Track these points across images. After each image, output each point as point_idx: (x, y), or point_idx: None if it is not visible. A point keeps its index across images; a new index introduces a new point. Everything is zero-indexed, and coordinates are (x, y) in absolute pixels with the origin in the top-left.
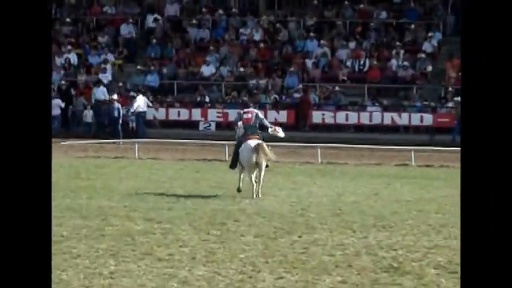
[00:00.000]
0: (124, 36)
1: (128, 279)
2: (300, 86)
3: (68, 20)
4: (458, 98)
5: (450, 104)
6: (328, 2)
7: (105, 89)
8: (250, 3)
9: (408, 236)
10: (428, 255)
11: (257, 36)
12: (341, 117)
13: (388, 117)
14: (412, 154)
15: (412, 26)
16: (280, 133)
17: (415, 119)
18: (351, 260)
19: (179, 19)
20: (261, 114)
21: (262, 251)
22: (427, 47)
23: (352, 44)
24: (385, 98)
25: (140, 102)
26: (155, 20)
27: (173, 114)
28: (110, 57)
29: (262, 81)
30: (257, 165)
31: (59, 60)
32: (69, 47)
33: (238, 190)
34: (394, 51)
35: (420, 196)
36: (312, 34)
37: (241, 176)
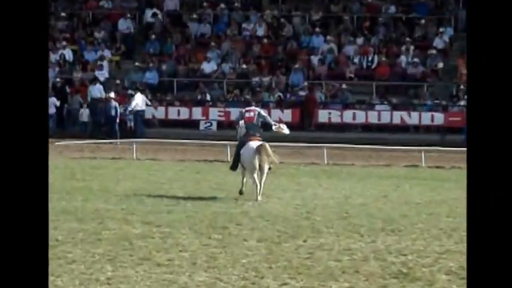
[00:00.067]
0: (121, 31)
1: (125, 285)
2: (305, 83)
3: (63, 14)
4: None
5: (462, 103)
6: None
7: (101, 87)
8: None
9: (418, 241)
10: (439, 260)
11: (260, 32)
12: (348, 116)
13: (398, 117)
14: (423, 155)
15: (423, 21)
16: (285, 130)
17: (426, 118)
18: (358, 265)
19: (179, 13)
20: (263, 112)
21: (266, 256)
22: (438, 42)
23: (359, 40)
24: (394, 96)
25: (138, 101)
26: (154, 14)
27: (173, 113)
28: (107, 53)
29: (266, 79)
30: (259, 168)
31: (53, 57)
32: (64, 43)
33: (241, 192)
34: (403, 48)
35: (431, 198)
36: (317, 29)
37: (244, 179)
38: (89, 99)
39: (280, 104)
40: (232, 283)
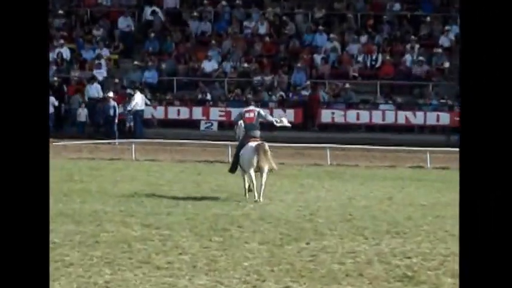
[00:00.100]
0: (120, 29)
1: None
2: (308, 82)
3: (60, 12)
4: None
5: None
6: None
7: (99, 86)
8: None
9: (423, 243)
10: (445, 263)
11: (262, 30)
12: (352, 116)
13: (402, 116)
14: (428, 156)
15: (428, 19)
16: (285, 122)
17: (431, 118)
18: (362, 268)
19: (179, 11)
20: (263, 112)
21: (268, 259)
22: (443, 41)
23: (363, 38)
24: (399, 96)
25: (138, 100)
26: (153, 12)
27: (172, 112)
28: (105, 52)
29: (268, 78)
30: (259, 169)
31: (50, 55)
32: (62, 41)
33: (249, 190)
34: (408, 46)
35: (436, 200)
36: (320, 27)
37: (245, 182)
38: (86, 98)
39: (283, 104)
40: (233, 286)
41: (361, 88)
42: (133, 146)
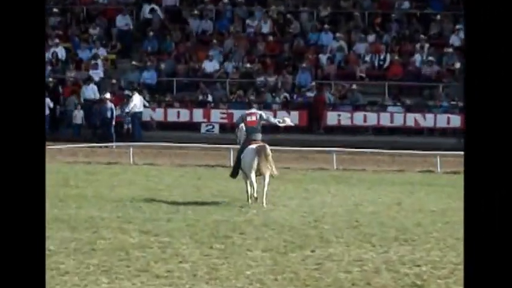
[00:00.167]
0: (118, 28)
1: None
2: (313, 83)
3: (55, 10)
4: None
5: None
6: None
7: (95, 87)
8: None
9: (433, 251)
10: (455, 272)
11: (265, 29)
12: (359, 118)
13: (411, 119)
14: (438, 159)
15: (438, 17)
16: (288, 122)
17: (441, 120)
18: (369, 277)
19: (179, 9)
20: (264, 114)
21: (271, 267)
22: (454, 40)
23: (371, 37)
24: (408, 97)
25: (136, 102)
26: (152, 10)
27: (172, 115)
28: (102, 51)
29: (271, 79)
30: (260, 173)
31: (45, 55)
32: (57, 40)
33: (248, 200)
34: (417, 45)
35: (447, 206)
36: (326, 26)
37: (248, 186)
38: (82, 100)
39: (287, 106)
40: None
41: (368, 89)
42: (131, 149)
